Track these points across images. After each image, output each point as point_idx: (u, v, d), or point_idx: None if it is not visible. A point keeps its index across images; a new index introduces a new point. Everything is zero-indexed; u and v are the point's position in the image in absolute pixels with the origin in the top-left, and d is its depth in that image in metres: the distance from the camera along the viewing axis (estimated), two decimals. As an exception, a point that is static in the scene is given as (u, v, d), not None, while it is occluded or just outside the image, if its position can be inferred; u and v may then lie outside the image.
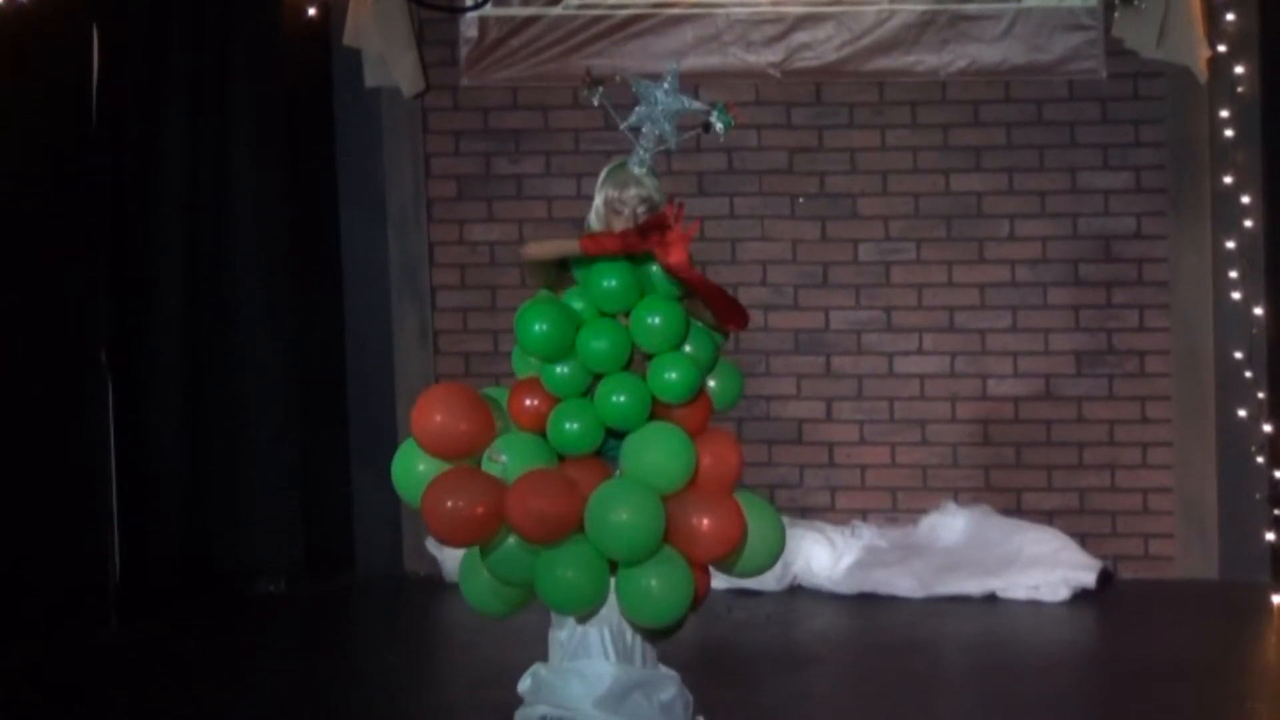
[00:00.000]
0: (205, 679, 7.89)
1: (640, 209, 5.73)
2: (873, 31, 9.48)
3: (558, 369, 5.61)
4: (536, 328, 5.58)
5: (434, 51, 9.80)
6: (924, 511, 9.45)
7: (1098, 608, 8.94)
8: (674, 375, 5.57)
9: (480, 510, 5.53)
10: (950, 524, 9.34)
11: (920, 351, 9.53)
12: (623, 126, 5.79)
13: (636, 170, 5.76)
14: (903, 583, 9.09)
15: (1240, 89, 9.11)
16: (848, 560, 9.22)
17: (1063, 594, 9.00)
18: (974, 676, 7.87)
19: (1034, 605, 8.95)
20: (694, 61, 9.49)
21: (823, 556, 9.24)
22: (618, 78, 5.88)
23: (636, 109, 5.80)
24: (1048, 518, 9.39)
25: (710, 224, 9.61)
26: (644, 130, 5.79)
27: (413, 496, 5.69)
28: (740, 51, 9.57)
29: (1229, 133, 9.12)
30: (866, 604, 9.01)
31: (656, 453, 5.55)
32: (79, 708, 7.49)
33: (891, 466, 9.56)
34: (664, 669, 5.88)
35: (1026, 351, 9.45)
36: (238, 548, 9.43)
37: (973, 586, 9.05)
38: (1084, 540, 9.28)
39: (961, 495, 9.47)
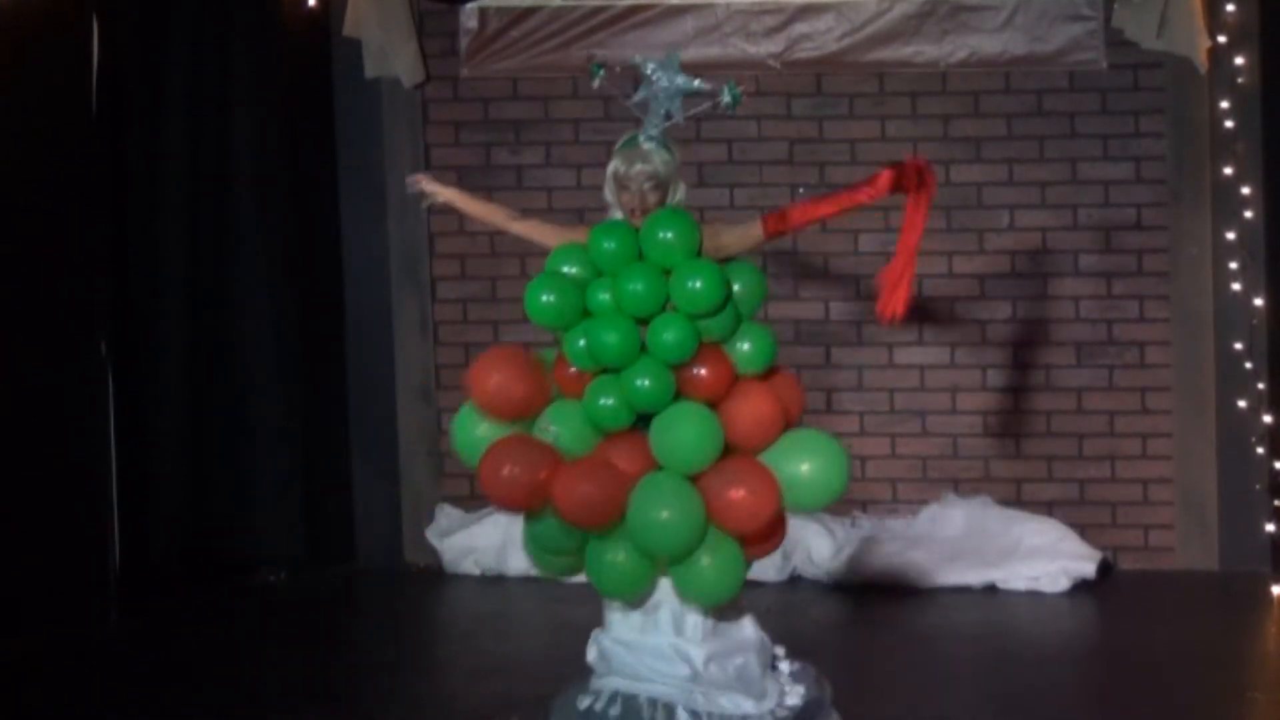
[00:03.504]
0: (206, 670, 7.89)
1: (646, 185, 5.77)
2: (873, 22, 9.49)
3: (579, 342, 5.64)
4: (543, 298, 5.64)
5: (434, 42, 9.80)
6: (924, 502, 9.46)
7: (1098, 598, 8.95)
8: (670, 335, 5.60)
9: (542, 476, 5.57)
10: (950, 515, 9.35)
11: (920, 342, 9.54)
12: (629, 103, 5.83)
13: (646, 146, 5.79)
14: (903, 574, 9.09)
15: (1240, 79, 9.10)
16: (848, 551, 9.23)
17: (1063, 585, 9.01)
18: (974, 667, 7.87)
19: (1034, 596, 8.96)
20: (694, 52, 9.50)
21: (823, 547, 9.25)
22: (618, 69, 5.91)
23: (641, 88, 5.85)
24: (1048, 508, 9.39)
25: (711, 215, 9.58)
26: (651, 107, 5.83)
27: (473, 460, 5.73)
28: (740, 42, 9.58)
29: (1229, 123, 9.12)
30: (866, 595, 9.01)
31: (681, 435, 5.58)
32: (80, 700, 7.48)
33: (891, 457, 9.56)
34: (746, 624, 5.89)
35: (1026, 342, 9.45)
36: (238, 539, 9.44)
37: (973, 577, 9.06)
38: (1084, 531, 9.29)
39: (961, 486, 9.47)
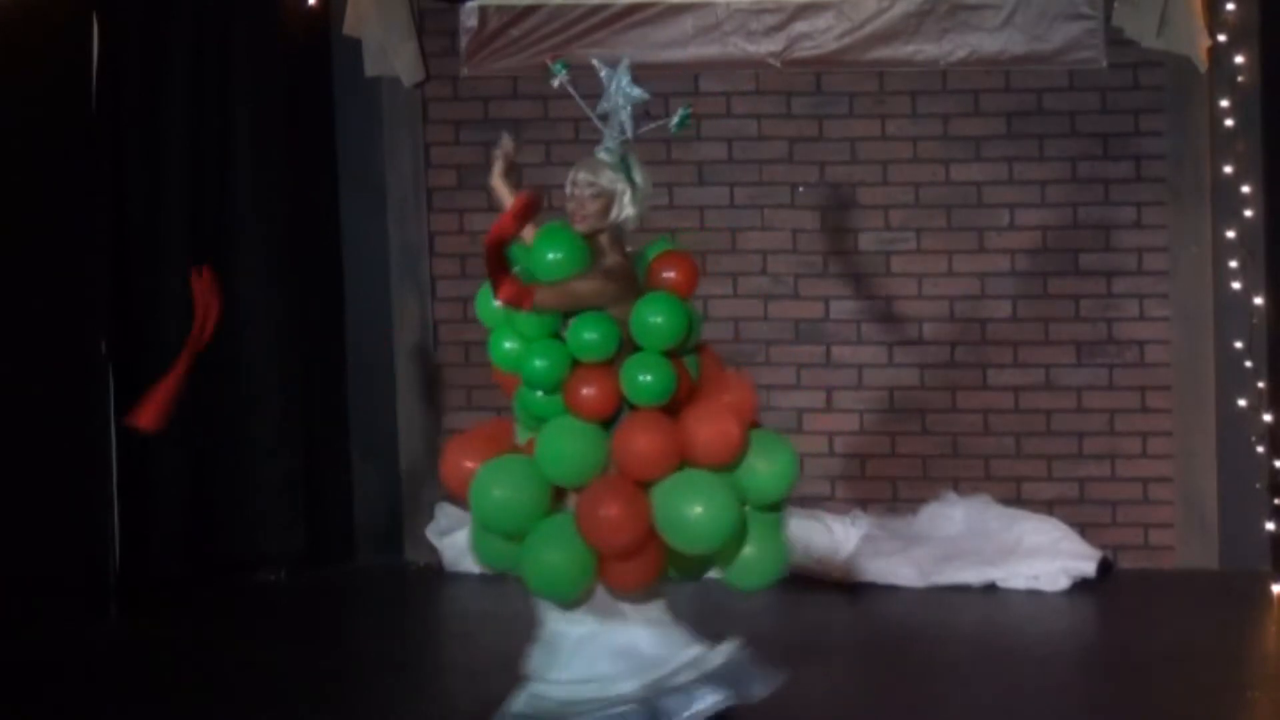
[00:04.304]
0: (206, 668, 7.90)
1: (587, 193, 5.84)
2: (873, 21, 9.48)
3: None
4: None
5: (434, 41, 9.80)
6: (924, 501, 9.45)
7: (1098, 597, 8.94)
8: (540, 362, 5.82)
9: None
10: (950, 514, 9.35)
11: (920, 341, 9.53)
12: (593, 115, 5.89)
13: (601, 157, 5.85)
14: (902, 572, 9.09)
15: (1240, 78, 9.10)
16: (847, 549, 9.23)
17: (1062, 584, 9.01)
18: (974, 666, 7.87)
19: (1034, 595, 8.95)
20: (694, 51, 9.50)
21: (823, 546, 9.24)
22: (592, 60, 5.98)
23: (601, 98, 5.92)
24: (1048, 507, 9.39)
25: (710, 213, 9.63)
26: (611, 119, 5.87)
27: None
28: (740, 41, 9.57)
29: (1229, 122, 9.12)
30: (866, 594, 9.01)
31: (545, 448, 5.77)
32: (80, 700, 7.49)
33: (891, 456, 9.56)
34: (644, 607, 5.89)
35: (1026, 341, 9.45)
36: (238, 537, 9.44)
37: (972, 576, 9.06)
38: (1084, 530, 9.28)
39: (961, 485, 9.47)
